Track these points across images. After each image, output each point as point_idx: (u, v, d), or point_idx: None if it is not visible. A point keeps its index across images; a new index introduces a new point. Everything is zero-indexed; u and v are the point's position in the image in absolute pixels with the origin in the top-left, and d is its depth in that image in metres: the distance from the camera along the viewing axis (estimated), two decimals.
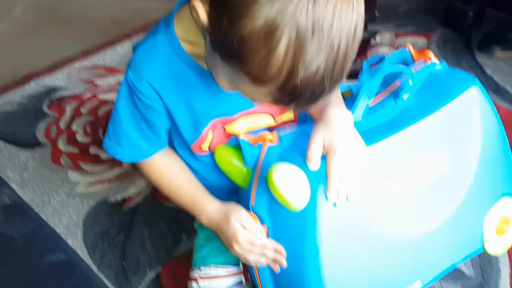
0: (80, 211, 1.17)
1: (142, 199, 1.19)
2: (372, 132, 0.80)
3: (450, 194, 0.87)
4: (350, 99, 0.85)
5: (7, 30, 1.73)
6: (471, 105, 0.86)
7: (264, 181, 0.74)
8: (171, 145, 0.88)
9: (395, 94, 0.86)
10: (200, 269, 0.90)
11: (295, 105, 0.62)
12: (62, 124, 1.37)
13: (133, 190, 1.21)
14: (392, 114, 0.84)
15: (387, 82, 0.88)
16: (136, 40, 1.62)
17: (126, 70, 0.77)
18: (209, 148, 0.84)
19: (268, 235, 0.77)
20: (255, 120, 0.83)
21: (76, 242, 1.11)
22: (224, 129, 0.82)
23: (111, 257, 1.08)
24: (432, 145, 0.82)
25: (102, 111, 1.41)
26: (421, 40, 1.65)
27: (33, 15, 1.79)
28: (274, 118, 0.85)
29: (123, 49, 1.61)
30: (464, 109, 0.85)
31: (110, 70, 1.54)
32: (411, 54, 0.91)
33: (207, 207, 0.83)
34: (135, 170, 1.25)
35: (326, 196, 0.73)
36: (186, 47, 0.74)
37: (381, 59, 0.90)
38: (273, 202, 0.74)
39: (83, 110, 1.41)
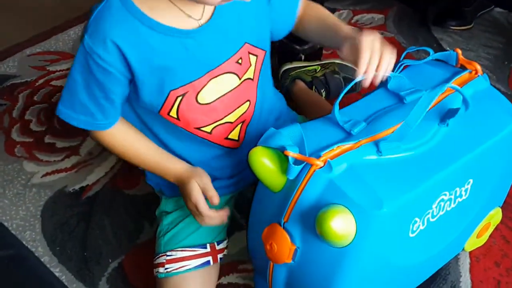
0: (38, 202, 1.14)
1: (101, 187, 1.17)
2: (416, 165, 0.75)
3: (464, 216, 0.87)
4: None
5: None
6: (510, 142, 0.84)
7: (307, 209, 0.72)
8: (140, 120, 0.88)
9: (441, 115, 0.80)
10: (166, 254, 0.89)
11: None
12: (15, 113, 1.33)
13: (92, 179, 1.18)
14: (435, 140, 0.78)
15: (423, 81, 0.84)
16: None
17: (82, 36, 0.77)
18: (177, 116, 0.83)
19: (295, 254, 0.76)
20: (223, 82, 0.83)
21: (34, 234, 1.08)
22: (197, 99, 0.82)
23: (72, 248, 1.06)
24: (467, 178, 0.81)
25: (56, 98, 1.37)
26: (378, 16, 1.66)
27: None
28: (239, 78, 0.85)
29: (76, 33, 1.56)
30: (504, 146, 0.83)
31: (63, 56, 1.49)
32: (457, 59, 0.88)
33: (174, 166, 0.87)
34: (92, 158, 1.22)
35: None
36: (141, 8, 0.75)
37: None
38: (310, 229, 0.72)
39: (36, 97, 1.37)
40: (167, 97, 0.81)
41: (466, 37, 1.58)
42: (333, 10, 1.63)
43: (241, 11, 0.83)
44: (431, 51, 0.88)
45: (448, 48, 1.54)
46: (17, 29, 1.59)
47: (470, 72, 0.86)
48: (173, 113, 0.83)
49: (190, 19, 0.78)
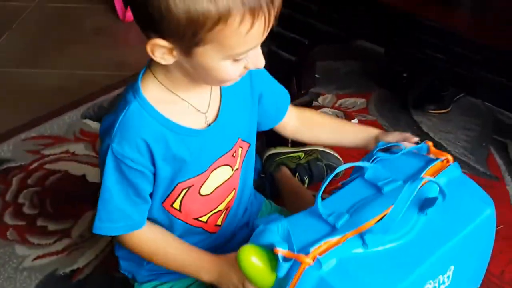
0: (28, 286, 1.14)
1: (92, 270, 1.18)
2: (402, 256, 0.77)
3: None
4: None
5: None
6: (486, 228, 0.88)
7: None
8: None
9: (419, 204, 0.82)
10: None
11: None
12: (8, 197, 1.36)
13: (82, 262, 1.20)
14: (416, 230, 0.80)
15: (398, 171, 0.87)
16: (84, 109, 1.64)
17: (107, 146, 0.79)
18: (180, 207, 0.87)
19: None
20: (220, 174, 0.88)
21: None
22: (199, 192, 0.87)
23: None
24: (448, 265, 0.83)
25: (49, 182, 1.40)
26: (360, 100, 1.74)
27: None
28: (232, 169, 0.90)
29: (71, 118, 1.62)
30: (480, 231, 0.87)
31: (57, 139, 1.54)
32: (428, 150, 0.91)
33: (206, 264, 0.86)
34: (83, 240, 1.24)
35: None
36: (158, 109, 0.80)
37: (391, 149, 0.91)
38: None
39: (30, 181, 1.40)
40: (173, 189, 0.85)
41: (444, 120, 1.66)
42: (317, 95, 1.72)
43: (240, 107, 0.89)
44: (402, 146, 0.91)
45: (427, 131, 1.61)
46: (14, 113, 1.64)
47: (442, 161, 0.89)
48: (176, 204, 0.87)
49: (199, 113, 0.83)
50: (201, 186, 0.87)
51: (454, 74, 1.08)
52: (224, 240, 0.97)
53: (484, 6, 1.22)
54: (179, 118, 0.81)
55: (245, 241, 0.79)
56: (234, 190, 0.93)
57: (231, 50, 0.71)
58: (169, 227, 0.90)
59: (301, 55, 1.37)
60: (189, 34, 0.69)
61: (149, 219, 0.88)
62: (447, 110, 1.69)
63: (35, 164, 1.45)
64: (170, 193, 0.85)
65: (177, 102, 0.81)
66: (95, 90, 1.73)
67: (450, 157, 0.89)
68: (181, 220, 0.89)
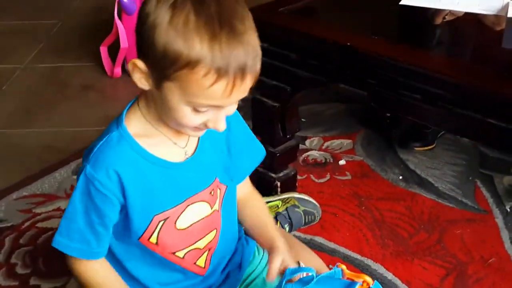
0: None
1: None
2: None
3: None
4: None
5: None
6: None
7: None
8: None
9: None
10: None
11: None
12: (1, 257, 1.36)
13: None
14: None
15: None
16: (74, 166, 1.66)
17: (82, 167, 0.84)
18: (157, 241, 0.89)
19: None
20: (198, 210, 0.90)
21: None
22: (175, 225, 0.88)
23: None
24: None
25: (41, 240, 1.41)
26: (346, 141, 1.77)
27: None
28: (211, 207, 0.92)
29: (61, 175, 1.63)
30: None
31: (49, 197, 1.55)
32: (342, 273, 0.88)
33: None
34: None
35: None
36: (138, 140, 0.84)
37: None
38: None
39: (22, 240, 1.41)
40: (150, 222, 0.87)
41: (430, 156, 1.69)
42: (304, 138, 1.75)
43: (216, 149, 0.93)
44: (312, 271, 0.87)
45: (414, 168, 1.64)
46: (5, 173, 1.65)
47: (361, 284, 0.84)
48: (153, 238, 0.89)
49: (177, 147, 0.87)
50: (176, 219, 0.89)
51: (431, 113, 1.11)
52: (215, 283, 0.98)
53: (455, 46, 1.26)
54: (158, 150, 0.85)
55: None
56: (215, 230, 0.95)
57: (192, 97, 0.76)
58: (143, 263, 0.92)
59: (284, 101, 1.41)
60: (161, 66, 0.75)
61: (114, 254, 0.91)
62: (432, 146, 1.72)
63: (27, 223, 1.46)
64: (147, 227, 0.87)
65: (157, 135, 0.85)
66: (85, 146, 1.74)
67: (368, 278, 0.85)
68: (159, 254, 0.91)
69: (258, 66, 0.77)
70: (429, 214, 1.46)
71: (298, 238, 1.39)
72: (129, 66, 0.79)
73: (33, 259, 1.35)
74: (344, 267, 0.87)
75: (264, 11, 1.40)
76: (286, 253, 0.94)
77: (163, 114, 0.82)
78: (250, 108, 1.40)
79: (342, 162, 1.67)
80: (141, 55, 0.78)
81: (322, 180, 1.60)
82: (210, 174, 0.92)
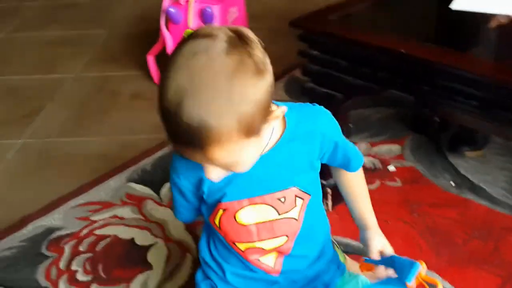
0: None
1: None
2: None
3: None
4: None
5: (0, 174, 1.80)
6: None
7: None
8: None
9: None
10: None
11: None
12: (61, 264, 1.40)
13: None
14: None
15: None
16: (129, 173, 1.70)
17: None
18: (219, 225, 0.94)
19: None
20: (261, 211, 0.92)
21: None
22: (235, 217, 0.92)
23: None
24: None
25: (100, 247, 1.45)
26: (395, 147, 1.76)
27: (25, 158, 1.87)
28: (278, 213, 0.93)
29: (116, 182, 1.68)
30: None
31: (105, 205, 1.59)
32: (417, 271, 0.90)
33: None
34: None
35: None
36: None
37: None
38: None
39: (81, 247, 1.45)
40: (216, 206, 0.92)
41: (481, 161, 1.66)
42: None
43: (296, 155, 0.91)
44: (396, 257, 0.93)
45: (465, 173, 1.62)
46: (61, 182, 1.71)
47: None
48: (216, 221, 0.94)
49: None
50: (235, 213, 0.92)
51: (485, 119, 1.10)
52: None
53: (507, 52, 1.25)
54: None
55: None
56: (285, 237, 0.95)
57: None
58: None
59: (334, 108, 1.41)
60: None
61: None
62: (482, 150, 1.69)
63: (85, 231, 1.50)
64: (214, 209, 0.93)
65: None
66: (136, 154, 1.80)
67: (440, 286, 0.87)
68: (223, 237, 0.97)
69: None
70: (483, 221, 1.45)
71: (352, 246, 1.39)
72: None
73: (93, 266, 1.39)
74: (424, 264, 0.89)
75: (313, 20, 1.41)
76: (383, 237, 1.04)
77: None
78: None
79: (391, 168, 1.67)
80: None
81: (371, 187, 1.60)
82: (283, 181, 0.91)
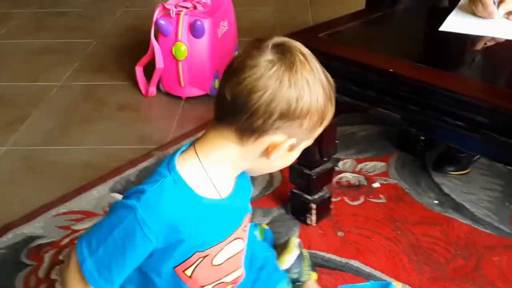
0: None
1: None
2: None
3: None
4: None
5: None
6: None
7: None
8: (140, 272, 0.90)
9: None
10: None
11: None
12: (41, 273, 1.38)
13: None
14: None
15: None
16: (112, 183, 1.69)
17: (131, 202, 0.82)
18: (191, 274, 0.90)
19: None
20: (233, 246, 0.93)
21: None
22: (212, 262, 0.90)
23: None
24: None
25: None
26: (380, 164, 1.77)
27: (8, 166, 1.84)
28: (243, 242, 0.96)
29: (99, 192, 1.66)
30: None
31: (87, 214, 1.58)
32: None
33: None
34: None
35: None
36: (190, 186, 0.85)
37: None
38: None
39: (61, 257, 1.43)
40: (190, 256, 0.88)
41: (465, 181, 1.68)
42: (337, 160, 1.76)
43: (247, 189, 0.97)
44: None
45: (449, 192, 1.63)
46: (44, 190, 1.69)
47: None
48: (189, 271, 0.90)
49: (217, 192, 0.89)
50: (215, 256, 0.91)
51: (473, 139, 1.11)
52: None
53: (497, 73, 1.27)
54: (205, 194, 0.86)
55: None
56: (241, 268, 0.98)
57: (311, 134, 0.87)
58: None
59: None
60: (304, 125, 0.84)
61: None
62: (467, 171, 1.71)
63: (66, 240, 1.48)
64: (186, 259, 0.88)
65: (205, 179, 0.86)
66: (121, 164, 1.79)
67: None
68: (188, 286, 0.92)
69: None
70: (465, 240, 1.46)
71: (333, 261, 1.39)
72: (268, 148, 0.84)
73: None
74: (400, 284, 0.86)
75: (303, 37, 1.41)
76: None
77: (258, 169, 0.90)
78: None
79: (376, 184, 1.67)
80: (268, 129, 0.82)
81: (356, 203, 1.60)
82: (244, 210, 0.96)
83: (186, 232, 0.85)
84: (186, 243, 0.86)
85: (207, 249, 0.89)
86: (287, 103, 0.79)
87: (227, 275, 0.95)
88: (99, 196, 1.65)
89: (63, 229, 1.52)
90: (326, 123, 0.86)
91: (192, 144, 0.88)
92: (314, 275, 1.22)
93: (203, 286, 0.93)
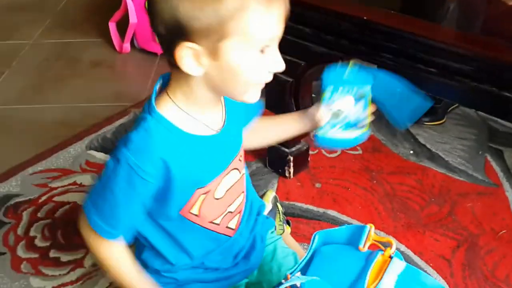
0: None
1: None
2: None
3: None
4: None
5: None
6: None
7: None
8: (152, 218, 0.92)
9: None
10: None
11: None
12: (19, 231, 1.38)
13: None
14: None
15: (339, 279, 0.81)
16: (88, 141, 1.67)
17: (120, 153, 0.83)
18: (198, 212, 0.91)
19: None
20: (230, 177, 0.93)
21: None
22: (214, 196, 0.91)
23: None
24: None
25: (58, 213, 1.43)
26: None
27: None
28: (239, 172, 0.95)
29: (76, 150, 1.65)
30: None
31: (64, 172, 1.57)
32: (368, 233, 0.83)
33: None
34: (96, 269, 1.26)
35: None
36: (174, 122, 0.84)
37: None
38: None
39: (39, 214, 1.43)
40: (192, 195, 0.89)
41: (440, 131, 1.70)
42: None
43: (240, 120, 0.95)
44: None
45: (424, 142, 1.65)
46: (20, 148, 1.67)
47: (383, 254, 0.80)
48: (195, 210, 0.91)
49: (209, 128, 0.88)
50: (215, 190, 0.91)
51: (447, 86, 1.12)
52: (245, 245, 1.01)
53: (470, 20, 1.27)
54: (192, 131, 0.86)
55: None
56: (242, 194, 0.98)
57: (254, 38, 0.77)
58: (183, 232, 0.93)
59: (297, 76, 1.42)
60: (216, 30, 0.75)
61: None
62: (442, 121, 1.73)
63: (44, 197, 1.48)
64: (190, 199, 0.89)
65: (189, 120, 0.86)
66: (97, 121, 1.77)
67: (392, 243, 0.80)
68: (198, 224, 0.93)
69: None
70: (440, 188, 1.49)
71: (311, 211, 1.41)
72: (178, 55, 0.78)
73: (52, 232, 1.37)
74: (372, 226, 0.84)
75: None
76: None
77: (225, 88, 0.83)
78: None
79: None
80: (183, 38, 0.77)
81: (333, 155, 1.62)
82: (238, 142, 0.95)
83: (180, 169, 0.85)
84: (184, 180, 0.86)
85: (206, 184, 0.90)
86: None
87: (230, 205, 0.96)
88: (76, 153, 1.63)
89: (40, 187, 1.52)
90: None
91: (165, 90, 0.87)
92: (287, 229, 1.24)
93: (212, 220, 0.94)
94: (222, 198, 0.93)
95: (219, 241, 0.97)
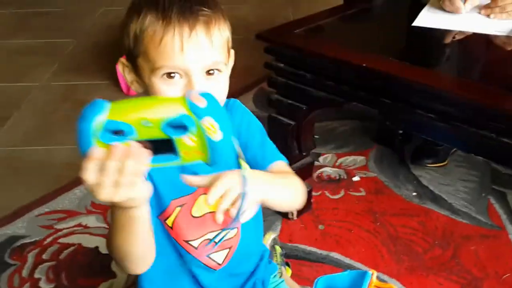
0: None
1: None
2: None
3: None
4: None
5: None
6: None
7: None
8: None
9: None
10: None
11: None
12: (24, 273, 1.39)
13: None
14: None
15: None
16: None
17: None
18: (172, 225, 0.89)
19: None
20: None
21: None
22: (191, 212, 0.89)
23: None
24: None
25: (63, 255, 1.44)
26: (359, 158, 1.79)
27: None
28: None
29: (81, 191, 1.66)
30: None
31: (69, 213, 1.58)
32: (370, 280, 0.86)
33: None
34: None
35: None
36: None
37: None
38: None
39: (44, 256, 1.44)
40: (168, 205, 0.88)
41: (443, 173, 1.71)
42: (317, 155, 1.78)
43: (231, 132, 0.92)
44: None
45: (427, 184, 1.66)
46: (26, 190, 1.69)
47: None
48: (169, 221, 0.89)
49: None
50: (192, 206, 0.89)
51: (444, 131, 1.14)
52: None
53: (466, 66, 1.30)
54: None
55: None
56: (236, 229, 0.93)
57: (154, 63, 0.78)
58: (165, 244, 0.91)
59: (299, 120, 1.45)
60: (132, 49, 0.80)
61: None
62: (444, 163, 1.74)
63: (49, 239, 1.49)
64: (165, 209, 0.88)
65: None
66: None
67: None
68: (173, 238, 0.90)
69: (209, 13, 0.77)
70: (443, 230, 1.49)
71: (314, 254, 1.42)
72: (120, 68, 0.85)
73: (56, 274, 1.38)
74: (375, 272, 0.86)
75: (280, 33, 1.44)
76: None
77: None
78: (266, 126, 1.43)
79: (356, 178, 1.70)
80: (124, 53, 0.83)
81: (336, 196, 1.63)
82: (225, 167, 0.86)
83: (158, 172, 0.79)
84: (161, 186, 0.86)
85: (182, 196, 0.88)
86: None
87: (212, 232, 0.91)
88: (82, 195, 1.65)
89: (46, 229, 1.53)
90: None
91: None
92: (287, 271, 1.23)
93: (188, 241, 0.91)
94: (200, 219, 0.90)
95: (201, 268, 0.93)
